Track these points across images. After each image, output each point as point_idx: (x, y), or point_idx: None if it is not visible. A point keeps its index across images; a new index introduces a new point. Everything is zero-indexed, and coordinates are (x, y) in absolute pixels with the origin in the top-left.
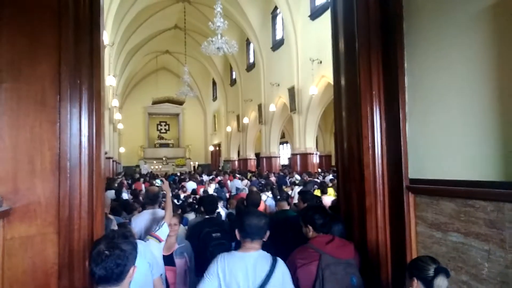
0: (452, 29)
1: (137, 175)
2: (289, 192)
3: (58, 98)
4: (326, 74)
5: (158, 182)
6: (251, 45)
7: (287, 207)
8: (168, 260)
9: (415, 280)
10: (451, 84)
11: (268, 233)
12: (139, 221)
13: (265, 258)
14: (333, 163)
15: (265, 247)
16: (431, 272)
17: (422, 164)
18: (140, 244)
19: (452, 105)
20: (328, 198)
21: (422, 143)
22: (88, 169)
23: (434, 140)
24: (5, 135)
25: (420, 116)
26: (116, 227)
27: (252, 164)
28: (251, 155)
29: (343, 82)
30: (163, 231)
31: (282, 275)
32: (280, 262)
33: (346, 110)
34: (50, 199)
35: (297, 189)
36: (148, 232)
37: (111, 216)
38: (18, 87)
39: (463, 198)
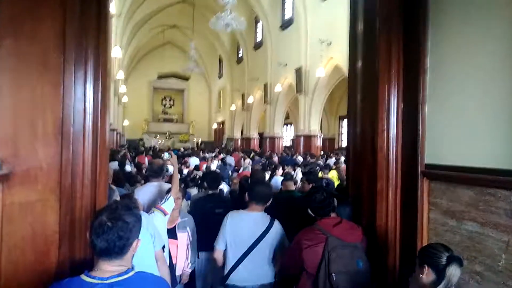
0: (481, 9)
1: (142, 148)
2: (291, 173)
3: (62, 60)
4: (334, 56)
5: (166, 155)
6: (260, 24)
7: (293, 188)
8: (171, 233)
9: (426, 268)
10: (475, 66)
11: (270, 201)
12: (143, 193)
13: (265, 218)
14: (336, 146)
15: None
16: (443, 260)
17: (439, 149)
18: (142, 215)
19: (475, 89)
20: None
21: (441, 128)
22: (92, 136)
23: (454, 124)
24: (5, 94)
25: (440, 99)
26: (118, 198)
27: (255, 143)
28: (254, 134)
29: (359, 63)
30: (169, 204)
31: (276, 233)
32: (276, 222)
33: (361, 92)
34: (52, 164)
35: (300, 170)
36: (152, 205)
37: (113, 187)
38: (20, 44)
39: (482, 187)
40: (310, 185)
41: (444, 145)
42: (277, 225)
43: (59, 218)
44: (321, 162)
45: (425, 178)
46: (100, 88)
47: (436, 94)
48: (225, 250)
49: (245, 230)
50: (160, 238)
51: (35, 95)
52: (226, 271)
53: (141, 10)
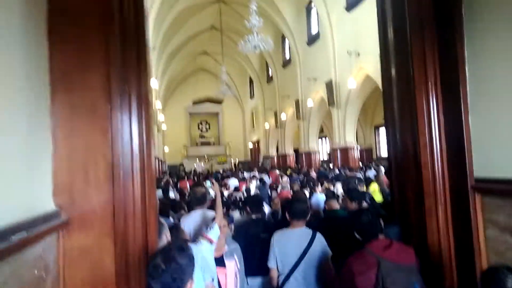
0: None
1: (183, 173)
2: (332, 188)
3: (109, 107)
4: (364, 66)
5: (208, 184)
6: (286, 41)
7: (337, 206)
8: (219, 261)
9: None
10: None
11: (309, 215)
12: (189, 221)
13: (307, 232)
14: (374, 156)
15: None
16: (510, 284)
17: (489, 161)
18: (194, 249)
19: None
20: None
21: (489, 139)
22: (141, 176)
23: (504, 134)
24: (60, 145)
25: (486, 110)
26: (168, 232)
27: (291, 160)
28: (290, 151)
29: (393, 72)
30: (214, 232)
31: (320, 245)
32: (318, 235)
33: (398, 102)
34: (105, 208)
35: (339, 184)
36: (198, 233)
37: (162, 220)
38: (71, 96)
39: None
40: (353, 202)
41: (495, 157)
42: (319, 237)
43: (115, 260)
44: (359, 174)
45: (476, 193)
46: (144, 129)
47: (481, 104)
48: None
49: (291, 245)
50: (209, 269)
51: (87, 143)
52: (278, 285)
53: (173, 42)
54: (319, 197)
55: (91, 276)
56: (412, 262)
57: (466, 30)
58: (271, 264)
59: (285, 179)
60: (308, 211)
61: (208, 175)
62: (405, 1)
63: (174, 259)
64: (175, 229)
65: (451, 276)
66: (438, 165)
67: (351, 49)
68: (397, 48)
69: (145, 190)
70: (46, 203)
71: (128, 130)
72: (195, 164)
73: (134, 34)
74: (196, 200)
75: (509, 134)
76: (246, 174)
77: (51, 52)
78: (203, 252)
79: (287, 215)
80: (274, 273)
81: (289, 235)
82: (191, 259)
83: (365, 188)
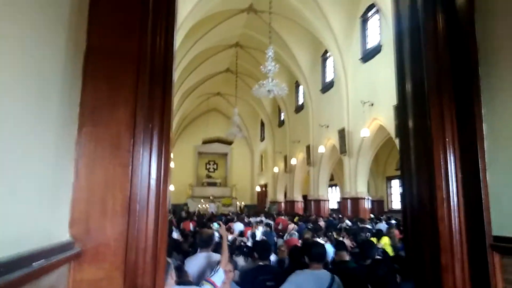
0: None
1: (184, 215)
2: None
3: (132, 142)
4: (377, 117)
5: (215, 225)
6: (300, 87)
7: (347, 258)
8: None
9: None
10: None
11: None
12: (193, 264)
13: (326, 275)
14: (386, 209)
15: None
16: None
17: (508, 220)
18: None
19: None
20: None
21: (508, 196)
22: (155, 212)
23: None
24: (82, 176)
25: (505, 166)
26: (173, 272)
27: (299, 206)
28: (298, 197)
29: (410, 124)
30: (218, 276)
31: (338, 285)
32: (337, 278)
33: (414, 155)
34: (119, 242)
35: (346, 238)
36: (202, 277)
37: (169, 260)
38: (97, 130)
39: None
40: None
41: None
42: (337, 280)
43: None
44: (369, 226)
45: (494, 252)
46: (163, 165)
47: (500, 161)
48: None
49: (312, 285)
50: None
51: (107, 175)
52: None
53: (188, 81)
54: (327, 246)
55: None
56: None
57: (483, 86)
58: None
59: (291, 226)
60: (325, 255)
61: (212, 217)
62: (422, 55)
63: None
64: (179, 270)
65: None
66: (455, 220)
67: (365, 99)
68: (414, 101)
69: (158, 226)
70: (62, 233)
71: (147, 165)
72: (207, 205)
73: (162, 73)
74: (202, 242)
75: None
76: (252, 219)
77: (83, 88)
78: None
79: (305, 258)
80: None
81: (309, 276)
82: None
83: (375, 240)
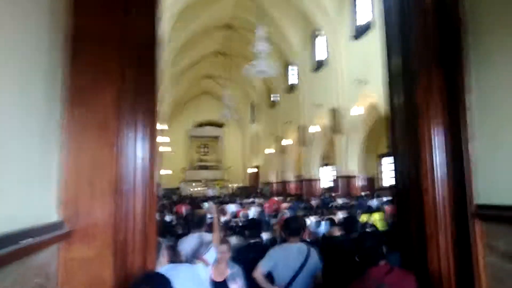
0: None
1: (175, 198)
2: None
3: (117, 123)
4: (370, 94)
5: (206, 205)
6: (291, 67)
7: (338, 233)
8: (222, 286)
9: None
10: None
11: (303, 232)
12: (186, 244)
13: (303, 247)
14: (376, 186)
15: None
16: None
17: (491, 188)
18: (189, 269)
19: None
20: None
21: (491, 166)
22: (142, 191)
23: (506, 162)
24: (70, 158)
25: (489, 137)
26: (165, 252)
27: (291, 186)
28: (291, 177)
29: (399, 100)
30: (210, 255)
31: (314, 257)
32: (313, 250)
33: (402, 130)
34: (108, 221)
35: (341, 214)
36: (195, 255)
37: (160, 239)
38: (83, 112)
39: None
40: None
41: (498, 184)
42: (314, 252)
43: (114, 273)
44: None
45: (476, 219)
46: (149, 147)
47: (484, 132)
48: (270, 274)
49: (290, 257)
50: None
51: (95, 157)
52: None
53: (181, 63)
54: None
55: (90, 287)
56: None
57: (472, 58)
58: (263, 267)
59: (285, 205)
60: (301, 228)
61: (206, 199)
62: (411, 30)
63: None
64: (171, 250)
65: None
66: (439, 191)
67: (358, 77)
68: (403, 76)
69: (146, 205)
70: (51, 214)
71: (133, 146)
72: (209, 191)
73: (148, 57)
74: (194, 224)
75: (510, 161)
76: (245, 201)
77: (70, 70)
78: (199, 273)
79: (282, 233)
80: (260, 275)
81: (287, 248)
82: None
83: (367, 216)
